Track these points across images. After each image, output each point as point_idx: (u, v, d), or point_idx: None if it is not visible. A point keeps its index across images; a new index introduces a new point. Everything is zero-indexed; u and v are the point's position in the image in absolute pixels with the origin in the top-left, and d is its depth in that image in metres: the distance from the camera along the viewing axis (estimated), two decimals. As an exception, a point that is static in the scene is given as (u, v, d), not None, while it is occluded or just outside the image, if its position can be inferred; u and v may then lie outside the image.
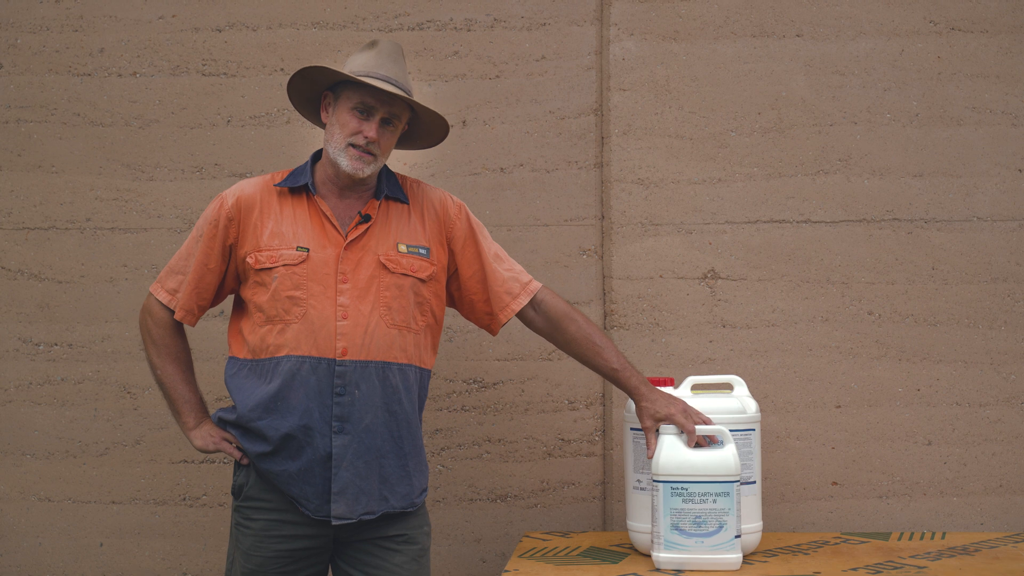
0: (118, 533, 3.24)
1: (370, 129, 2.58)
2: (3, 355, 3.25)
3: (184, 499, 3.24)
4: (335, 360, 2.57)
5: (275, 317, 2.58)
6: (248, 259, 2.61)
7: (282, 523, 2.60)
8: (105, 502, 3.24)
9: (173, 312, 2.67)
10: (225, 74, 3.25)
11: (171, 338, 2.69)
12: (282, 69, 3.24)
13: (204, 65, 3.25)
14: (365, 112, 2.59)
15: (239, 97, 3.25)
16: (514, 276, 2.75)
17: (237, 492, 2.66)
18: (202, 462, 3.23)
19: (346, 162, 2.59)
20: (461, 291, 2.76)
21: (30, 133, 3.26)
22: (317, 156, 2.72)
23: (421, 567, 2.68)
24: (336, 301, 2.58)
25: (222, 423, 2.67)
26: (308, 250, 2.59)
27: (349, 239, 2.61)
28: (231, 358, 2.66)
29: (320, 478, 2.57)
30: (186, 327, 2.73)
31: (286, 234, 2.60)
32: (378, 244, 2.63)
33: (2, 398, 3.25)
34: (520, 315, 2.77)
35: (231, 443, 2.65)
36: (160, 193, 3.25)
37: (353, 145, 2.58)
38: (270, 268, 2.58)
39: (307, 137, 3.18)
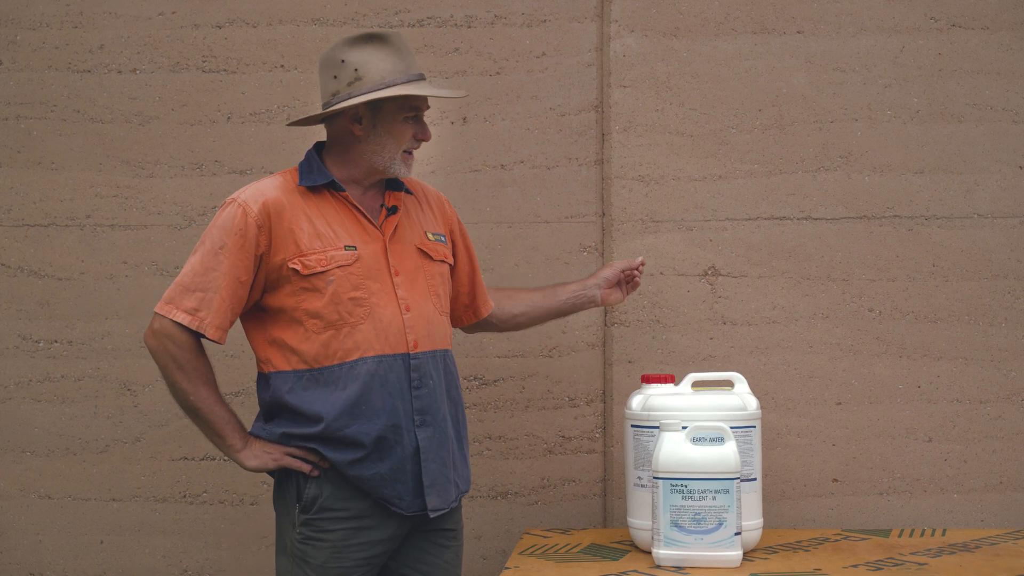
0: (118, 530, 3.24)
1: (424, 131, 2.61)
2: (3, 352, 3.25)
3: (184, 496, 3.24)
4: (409, 354, 2.54)
5: (338, 321, 2.50)
6: (292, 265, 2.48)
7: (361, 530, 2.52)
8: (105, 499, 3.24)
9: (195, 333, 2.48)
10: (225, 71, 3.25)
11: (198, 360, 2.50)
12: (282, 66, 3.24)
13: (204, 62, 3.25)
14: (413, 118, 2.60)
15: (239, 94, 3.25)
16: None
17: (309, 505, 2.50)
18: (202, 459, 3.23)
19: (403, 168, 2.59)
20: (451, 282, 2.80)
21: (30, 130, 3.26)
22: (318, 148, 2.66)
23: (461, 563, 2.72)
24: (396, 295, 2.55)
25: (287, 438, 2.51)
26: (356, 248, 2.53)
27: (387, 232, 2.59)
28: (277, 373, 2.52)
29: (411, 474, 2.53)
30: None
31: (326, 234, 2.52)
32: (411, 234, 2.63)
33: (2, 395, 3.25)
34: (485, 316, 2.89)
35: (298, 457, 2.51)
36: (160, 190, 3.25)
37: (407, 151, 2.60)
38: (323, 272, 2.49)
39: (307, 133, 3.17)
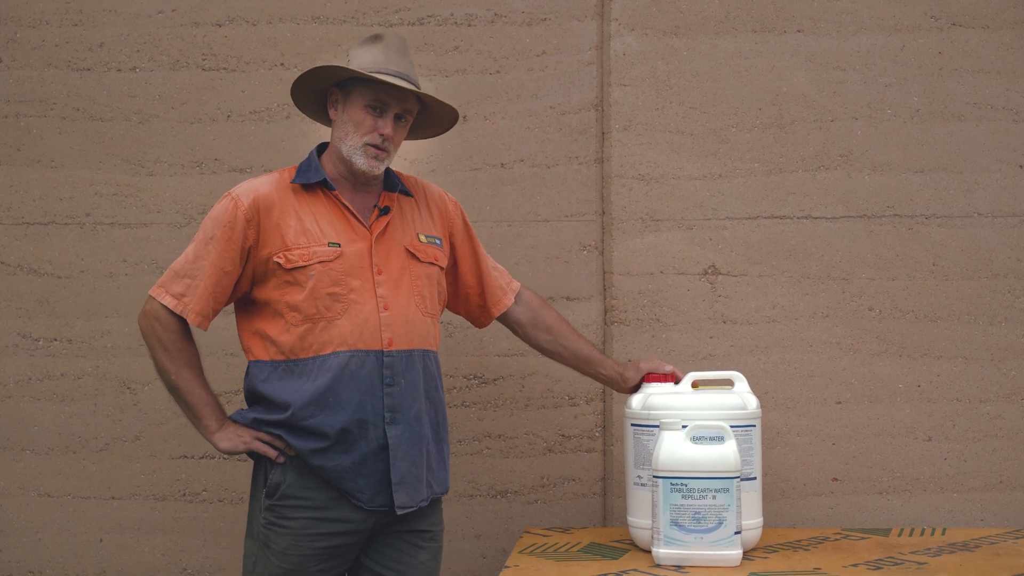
0: (118, 529, 3.24)
1: (386, 126, 2.60)
2: (3, 350, 3.25)
3: (184, 495, 3.24)
4: (383, 351, 2.58)
5: (315, 315, 2.55)
6: (276, 259, 2.56)
7: (322, 520, 2.56)
8: (105, 498, 3.24)
9: (180, 317, 2.58)
10: (225, 69, 3.25)
11: (183, 342, 2.60)
12: (282, 64, 3.23)
13: (204, 60, 3.25)
14: (379, 109, 2.60)
15: (239, 92, 3.24)
16: (500, 273, 2.88)
17: (273, 491, 2.57)
18: (202, 457, 3.23)
19: (362, 160, 2.60)
20: (457, 285, 2.83)
21: (29, 128, 3.26)
22: (321, 149, 2.72)
23: (438, 564, 2.73)
24: (376, 293, 2.59)
25: (258, 423, 2.59)
26: (340, 245, 2.58)
27: (375, 232, 2.62)
28: (256, 362, 2.60)
29: (373, 469, 2.56)
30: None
31: (312, 231, 2.58)
32: (402, 235, 2.66)
33: (2, 393, 3.25)
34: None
35: (265, 441, 2.58)
36: (160, 188, 3.25)
37: (370, 144, 2.60)
38: (304, 267, 2.55)
39: (307, 131, 3.17)
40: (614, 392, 3.16)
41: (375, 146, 2.60)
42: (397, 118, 2.62)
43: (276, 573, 2.56)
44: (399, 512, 2.58)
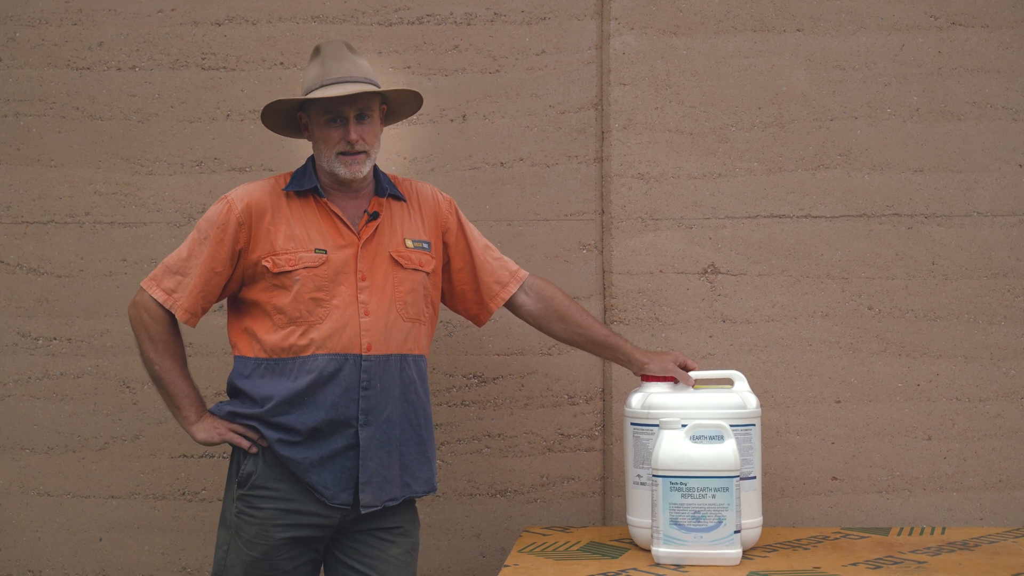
0: (117, 528, 3.24)
1: (349, 133, 2.66)
2: (2, 349, 3.24)
3: (183, 494, 3.24)
4: (362, 356, 2.64)
5: (299, 318, 2.63)
6: (264, 263, 2.64)
7: (288, 512, 2.64)
8: (104, 496, 3.24)
9: (169, 311, 2.67)
10: (225, 68, 3.24)
11: (168, 335, 2.69)
12: (282, 63, 3.23)
13: (203, 59, 3.25)
14: (338, 120, 2.66)
15: (239, 91, 3.24)
16: (503, 266, 2.87)
17: (244, 481, 2.66)
18: (201, 456, 3.23)
19: (342, 170, 2.67)
20: (452, 283, 2.85)
21: (29, 127, 3.26)
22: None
23: (413, 560, 2.77)
24: (358, 299, 2.65)
25: (233, 416, 2.68)
26: (326, 252, 2.65)
27: (363, 238, 2.68)
28: (241, 358, 2.69)
29: (340, 467, 2.63)
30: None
31: (301, 237, 2.65)
32: (388, 241, 2.71)
33: (1, 392, 3.24)
34: (511, 302, 2.87)
35: (239, 433, 2.66)
36: (159, 187, 3.25)
37: (340, 152, 2.66)
38: (290, 271, 2.63)
39: (307, 131, 3.17)
40: (614, 391, 3.16)
41: (345, 153, 2.66)
42: (360, 118, 2.67)
43: (245, 561, 2.64)
44: (363, 511, 2.65)
